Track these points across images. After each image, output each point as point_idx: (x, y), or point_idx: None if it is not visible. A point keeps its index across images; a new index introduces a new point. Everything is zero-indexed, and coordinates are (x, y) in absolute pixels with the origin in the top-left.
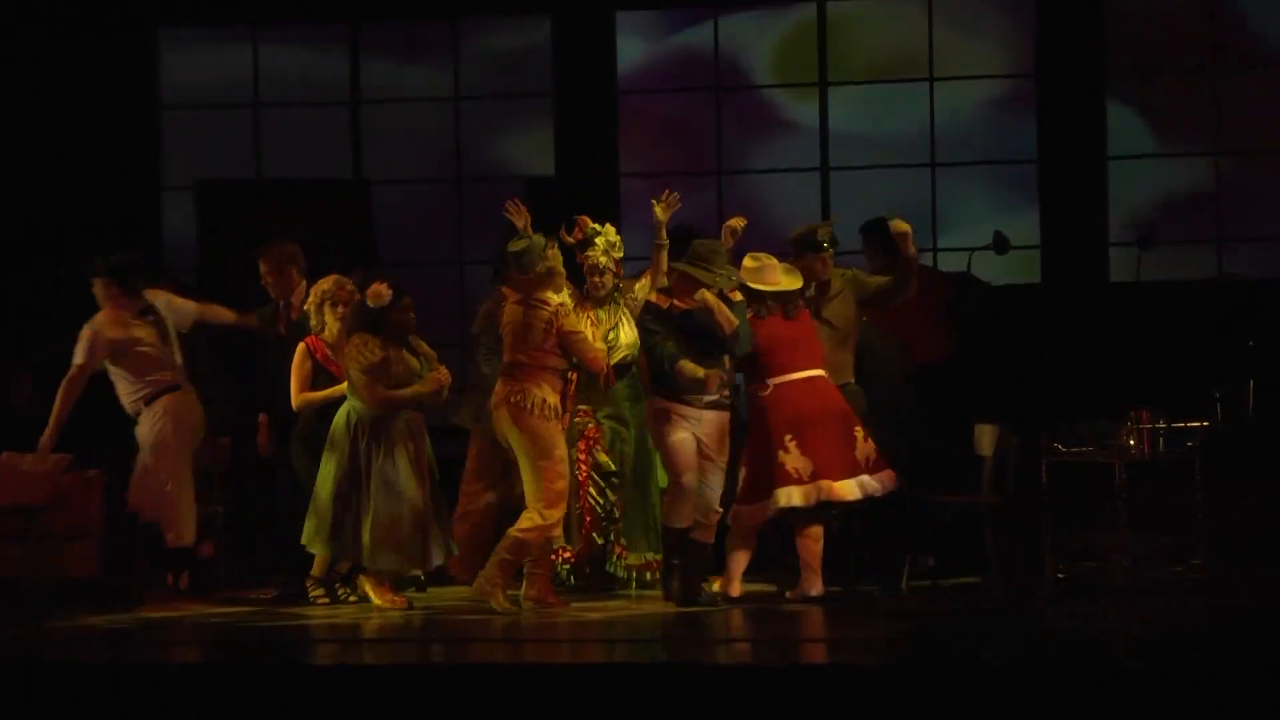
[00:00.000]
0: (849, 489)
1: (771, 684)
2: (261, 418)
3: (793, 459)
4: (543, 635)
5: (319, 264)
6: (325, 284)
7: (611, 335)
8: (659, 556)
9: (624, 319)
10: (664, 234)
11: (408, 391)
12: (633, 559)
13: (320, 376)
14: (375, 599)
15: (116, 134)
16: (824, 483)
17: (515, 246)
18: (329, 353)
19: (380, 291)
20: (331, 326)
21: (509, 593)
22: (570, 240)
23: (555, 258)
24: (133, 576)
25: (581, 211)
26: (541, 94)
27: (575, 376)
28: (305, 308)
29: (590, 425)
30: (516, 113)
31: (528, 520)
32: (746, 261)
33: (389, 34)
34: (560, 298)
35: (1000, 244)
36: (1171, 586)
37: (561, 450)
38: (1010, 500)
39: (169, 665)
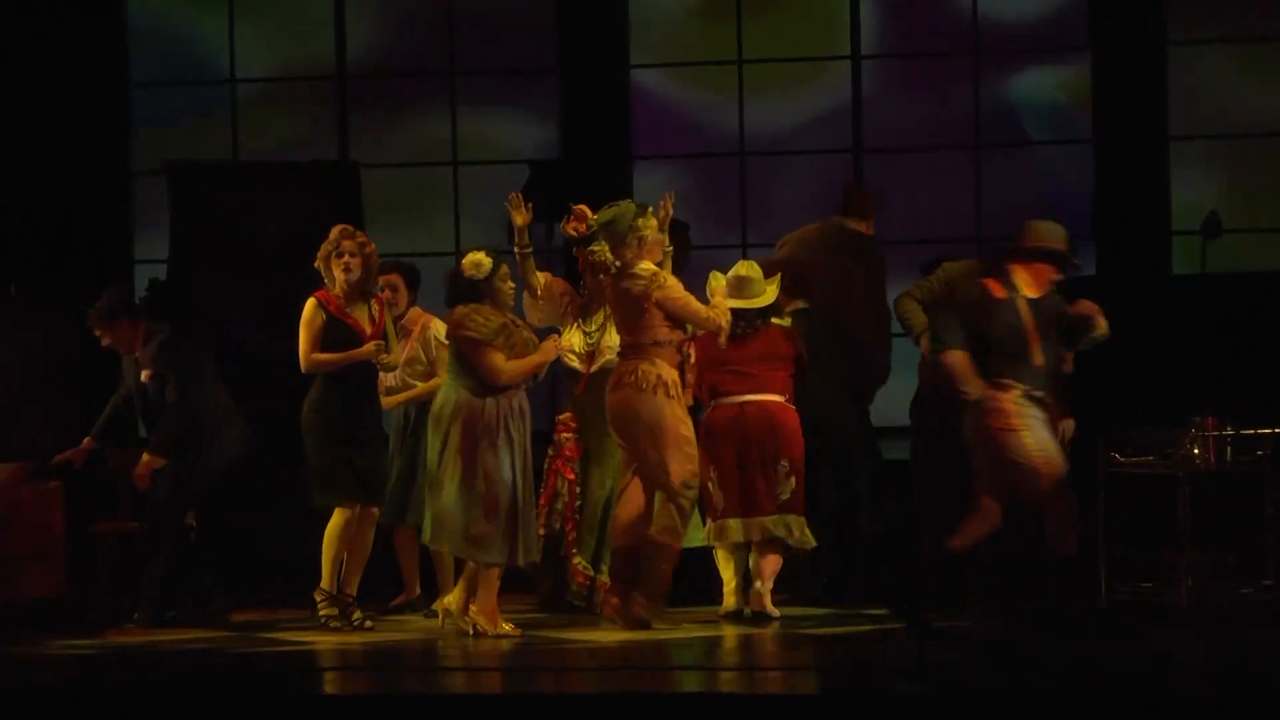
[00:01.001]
0: (736, 530)
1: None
2: (85, 442)
3: (715, 491)
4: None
5: (303, 255)
6: (332, 236)
7: (595, 337)
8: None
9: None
10: (666, 240)
11: (533, 360)
12: (604, 578)
13: (335, 333)
14: (486, 627)
15: (81, 113)
16: (724, 521)
17: (603, 216)
18: (344, 305)
19: (479, 260)
20: (340, 280)
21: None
22: (569, 233)
23: (647, 225)
24: (95, 599)
25: (591, 198)
26: (546, 69)
27: (692, 348)
28: (315, 265)
29: (569, 440)
30: (518, 88)
31: (665, 516)
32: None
33: (379, 1)
34: (652, 267)
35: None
36: (1239, 610)
37: (690, 428)
38: (1067, 513)
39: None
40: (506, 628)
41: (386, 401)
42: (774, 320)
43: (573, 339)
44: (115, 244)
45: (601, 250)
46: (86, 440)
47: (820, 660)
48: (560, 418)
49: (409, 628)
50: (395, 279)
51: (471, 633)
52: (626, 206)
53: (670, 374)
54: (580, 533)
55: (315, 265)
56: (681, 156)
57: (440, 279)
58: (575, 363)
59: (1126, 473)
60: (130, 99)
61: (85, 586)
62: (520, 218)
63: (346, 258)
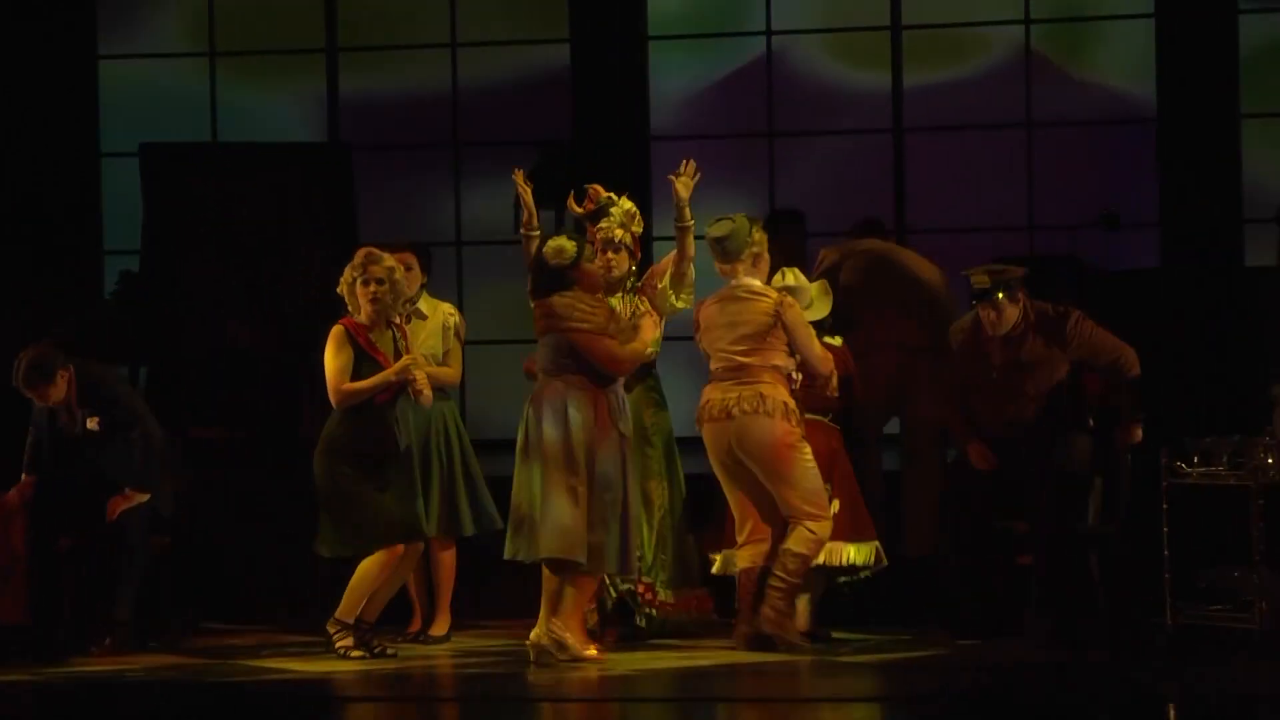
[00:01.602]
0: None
1: None
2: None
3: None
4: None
5: (290, 244)
6: (356, 259)
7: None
8: (691, 591)
9: (641, 310)
10: (687, 213)
11: (644, 340)
12: (665, 595)
13: (361, 368)
14: (574, 647)
15: (48, 90)
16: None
17: (718, 231)
18: (371, 338)
19: (562, 246)
20: (365, 308)
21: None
22: (580, 211)
23: (762, 240)
24: (64, 623)
25: (605, 182)
26: (557, 39)
27: (799, 377)
28: (338, 291)
29: None
30: (526, 63)
31: (802, 537)
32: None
33: None
34: (772, 289)
35: (1110, 220)
36: None
37: (809, 449)
38: (1123, 530)
39: None
40: (591, 651)
41: (342, 392)
42: (825, 340)
43: None
44: (83, 232)
45: (610, 227)
46: (25, 478)
47: (890, 689)
48: None
49: (434, 653)
50: (409, 258)
51: (555, 654)
52: (741, 221)
53: (789, 398)
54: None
55: (338, 291)
56: (702, 137)
57: (438, 267)
58: None
59: (1193, 484)
60: (99, 73)
61: (51, 609)
62: (528, 196)
63: (374, 286)
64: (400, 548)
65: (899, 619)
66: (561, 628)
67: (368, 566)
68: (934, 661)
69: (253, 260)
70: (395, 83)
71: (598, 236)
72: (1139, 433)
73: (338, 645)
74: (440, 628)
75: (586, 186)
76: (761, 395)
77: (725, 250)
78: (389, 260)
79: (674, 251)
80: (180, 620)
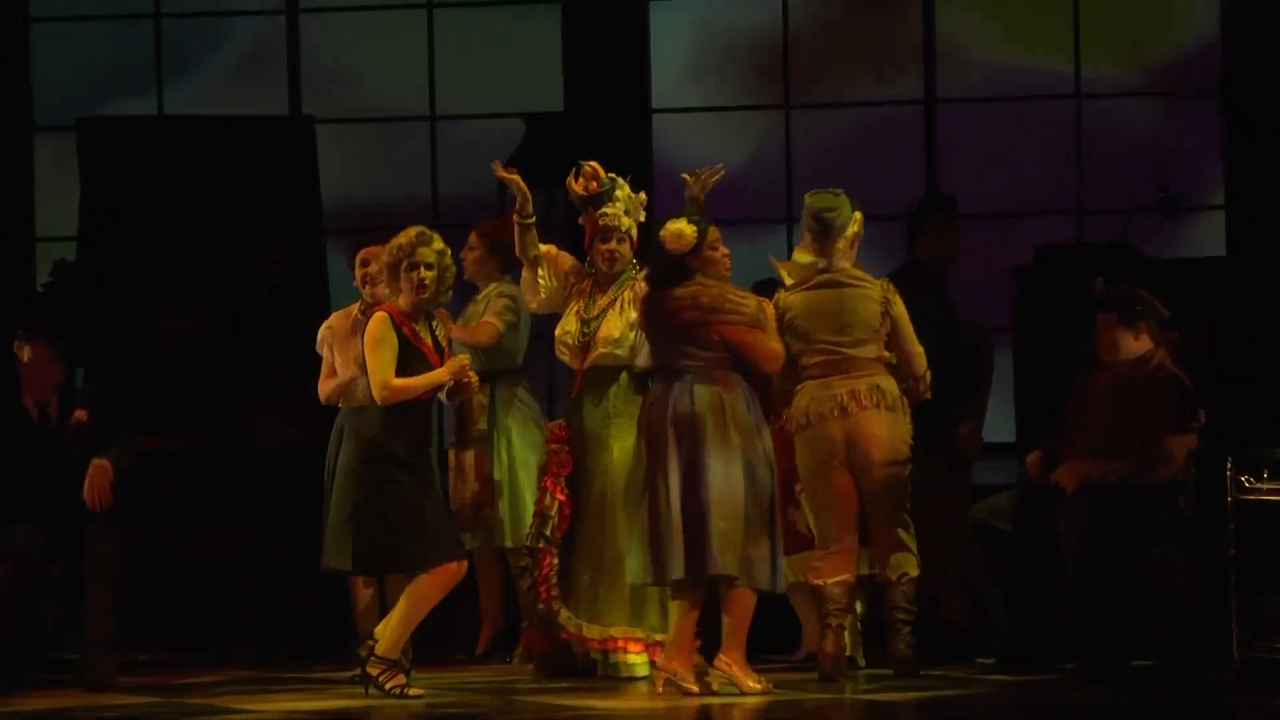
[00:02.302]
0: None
1: None
2: None
3: (802, 516)
4: None
5: (248, 231)
6: (405, 239)
7: (593, 326)
8: (634, 631)
9: (617, 308)
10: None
11: (779, 345)
12: (594, 632)
13: (406, 361)
14: (744, 681)
15: None
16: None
17: (824, 203)
18: (415, 328)
19: (681, 230)
20: (410, 296)
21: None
22: (579, 192)
23: (860, 222)
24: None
25: (600, 159)
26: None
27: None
28: (371, 271)
29: (558, 453)
30: (511, 24)
31: (911, 559)
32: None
33: None
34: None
35: (1168, 203)
36: None
37: None
38: (1185, 551)
39: None
40: (758, 683)
41: (389, 388)
42: None
43: (568, 326)
44: (12, 217)
45: (615, 213)
46: None
47: None
48: (551, 425)
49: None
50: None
51: (715, 688)
52: (845, 199)
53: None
54: (572, 572)
55: (372, 271)
56: (711, 109)
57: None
58: (566, 356)
59: (1262, 501)
60: (31, 38)
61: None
62: (520, 182)
63: (422, 270)
64: (463, 564)
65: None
66: (728, 663)
67: (426, 590)
68: (995, 702)
69: (204, 249)
70: (364, 47)
71: (598, 223)
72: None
73: (389, 686)
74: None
75: (582, 163)
76: (880, 389)
77: (830, 227)
78: (439, 243)
79: None
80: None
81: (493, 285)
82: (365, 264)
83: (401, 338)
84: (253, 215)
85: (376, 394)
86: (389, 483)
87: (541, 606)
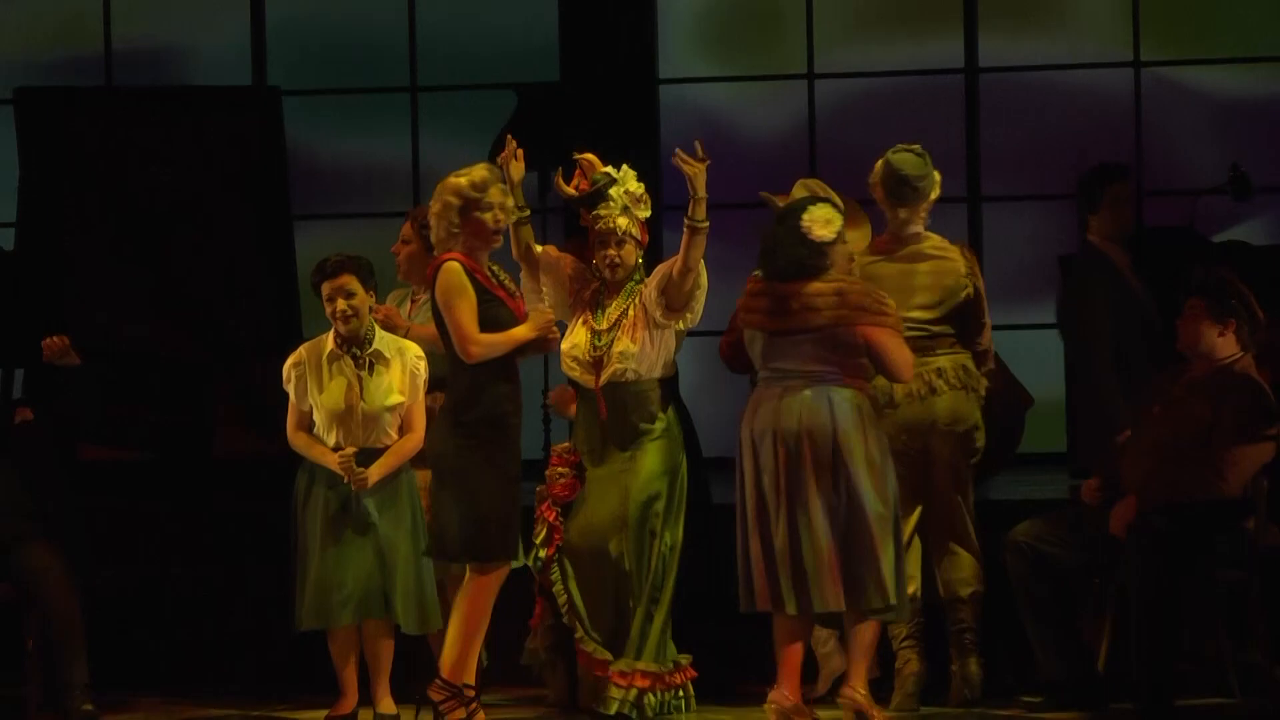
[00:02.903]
0: None
1: None
2: None
3: None
4: None
5: (207, 215)
6: (475, 174)
7: (606, 339)
8: (659, 668)
9: (631, 317)
10: (702, 209)
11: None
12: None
13: (486, 313)
14: (870, 709)
15: None
16: None
17: (909, 165)
18: (489, 274)
19: (830, 217)
20: (478, 241)
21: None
22: (570, 192)
23: (938, 181)
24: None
25: (601, 136)
26: None
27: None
28: (430, 214)
29: (564, 477)
30: None
31: (977, 570)
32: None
33: None
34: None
35: (1239, 184)
36: None
37: None
38: (1258, 576)
39: None
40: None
41: (481, 344)
42: None
43: (576, 339)
44: None
45: (610, 215)
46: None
47: None
48: (558, 448)
49: None
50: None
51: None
52: (929, 160)
53: None
54: (590, 605)
55: (433, 212)
56: (725, 79)
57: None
58: (577, 372)
59: None
60: None
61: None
62: (517, 170)
63: (497, 210)
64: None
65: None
66: (858, 693)
67: (485, 593)
68: None
69: (159, 235)
70: (336, 12)
71: (594, 227)
72: None
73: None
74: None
75: (577, 158)
76: (967, 369)
77: (914, 190)
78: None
79: (675, 258)
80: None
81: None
82: (350, 295)
83: (479, 286)
84: (213, 199)
85: (464, 351)
86: (496, 461)
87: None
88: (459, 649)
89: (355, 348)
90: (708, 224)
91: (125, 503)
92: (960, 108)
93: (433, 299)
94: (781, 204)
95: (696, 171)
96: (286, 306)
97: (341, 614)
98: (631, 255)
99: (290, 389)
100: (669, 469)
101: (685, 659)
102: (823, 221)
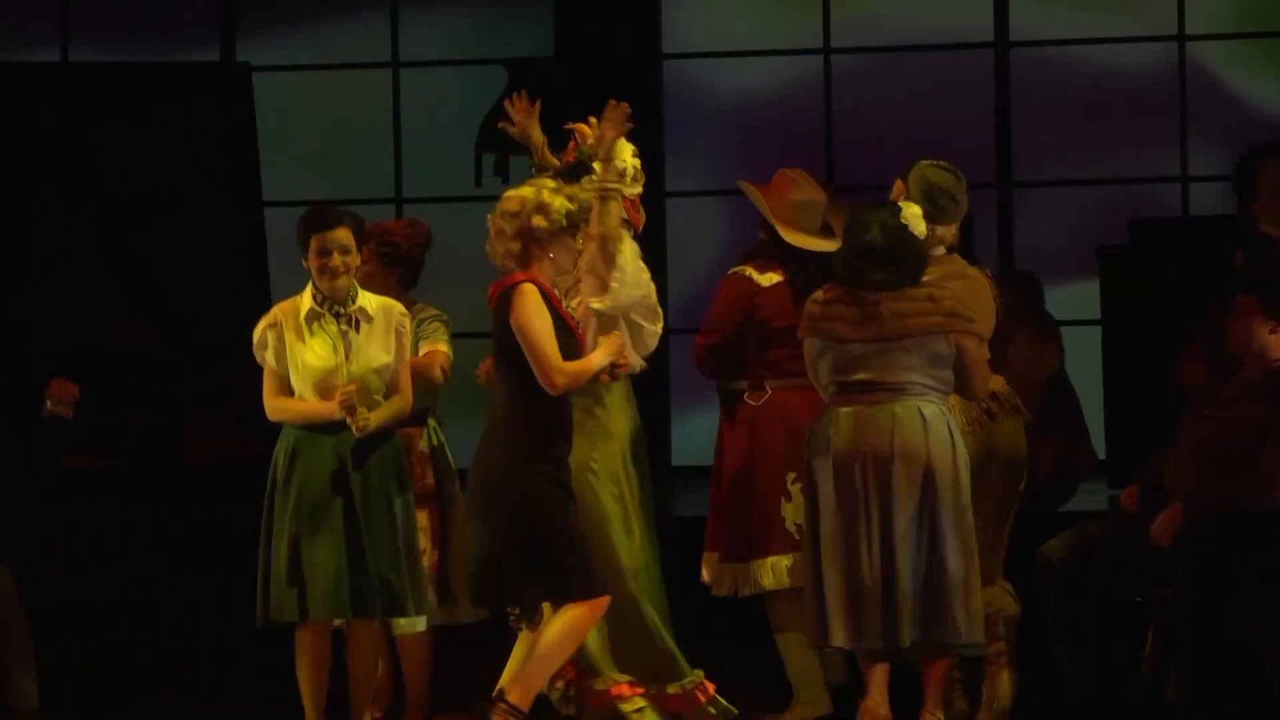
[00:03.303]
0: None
1: None
2: None
3: (794, 510)
4: None
5: (176, 199)
6: (580, 198)
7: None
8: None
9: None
10: (614, 165)
11: None
12: (599, 683)
13: (560, 342)
14: None
15: None
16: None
17: (943, 179)
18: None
19: (919, 214)
20: (561, 265)
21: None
22: (554, 163)
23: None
24: None
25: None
26: None
27: None
28: (351, 261)
29: None
30: None
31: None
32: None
33: None
34: None
35: None
36: None
37: None
38: None
39: None
40: None
41: (567, 372)
42: None
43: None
44: None
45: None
46: None
47: None
48: None
49: None
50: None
51: None
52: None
53: None
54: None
55: (518, 227)
56: (734, 54)
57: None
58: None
59: None
60: None
61: None
62: (537, 132)
63: (579, 235)
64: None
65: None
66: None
67: (580, 623)
68: None
69: (121, 223)
70: None
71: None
72: None
73: None
74: None
75: (573, 126)
76: (1011, 392)
77: (955, 204)
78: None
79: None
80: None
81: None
82: (346, 251)
83: (554, 313)
84: (179, 184)
85: (550, 382)
86: (551, 496)
87: None
88: (536, 675)
89: (338, 305)
90: (618, 187)
91: (88, 509)
92: (989, 83)
93: (505, 323)
94: (760, 193)
95: (606, 132)
96: (259, 300)
97: (316, 607)
98: (626, 232)
99: (268, 354)
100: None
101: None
102: (917, 219)
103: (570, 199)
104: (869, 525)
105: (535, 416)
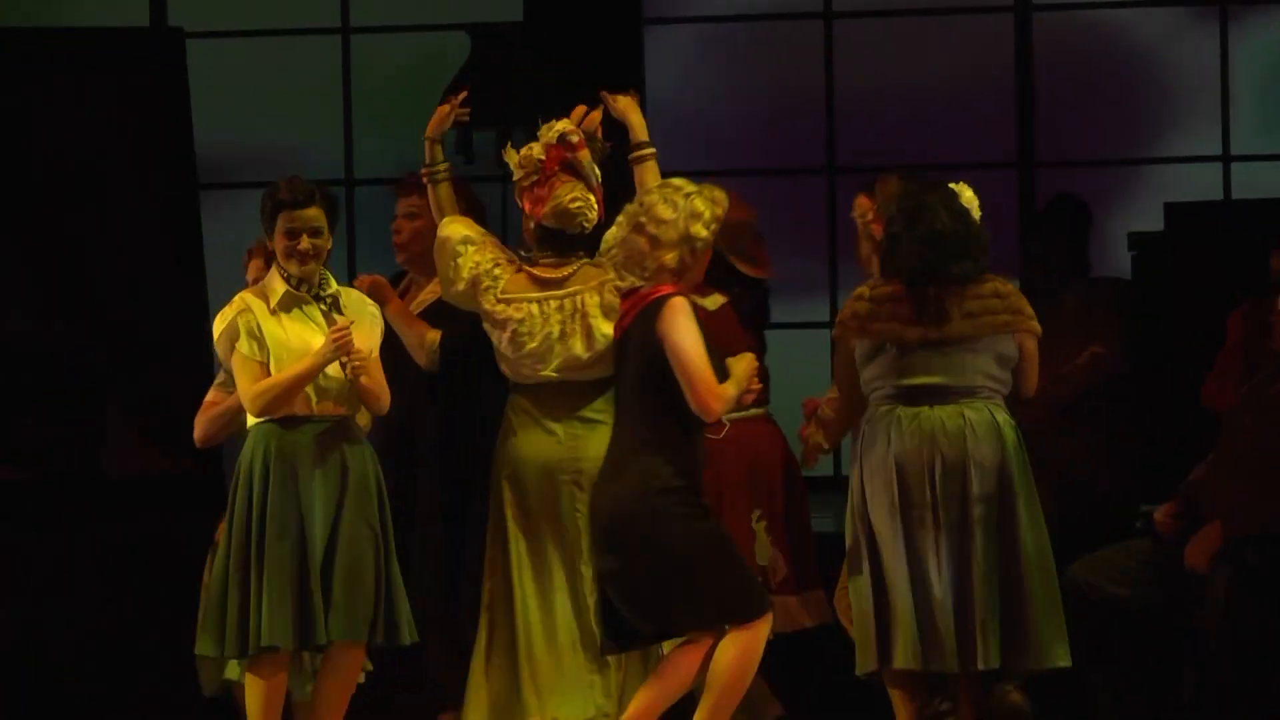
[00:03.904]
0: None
1: None
2: None
3: (762, 550)
4: None
5: (100, 182)
6: (720, 202)
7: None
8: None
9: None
10: (643, 131)
11: None
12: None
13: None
14: None
15: None
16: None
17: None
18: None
19: (974, 200)
20: (691, 275)
21: None
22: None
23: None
24: None
25: (574, 89)
26: None
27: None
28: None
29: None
30: None
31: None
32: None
33: None
34: None
35: None
36: None
37: None
38: None
39: None
40: None
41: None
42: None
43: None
44: None
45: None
46: None
47: None
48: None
49: None
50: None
51: None
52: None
53: None
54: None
55: (672, 236)
56: (723, 19)
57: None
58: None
59: None
60: None
61: None
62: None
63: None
64: None
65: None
66: None
67: (756, 641)
68: None
69: (39, 209)
70: None
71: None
72: None
73: None
74: None
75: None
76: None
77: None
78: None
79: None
80: None
81: None
82: (316, 233)
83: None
84: (103, 163)
85: (707, 408)
86: (705, 521)
87: None
88: (724, 711)
89: (313, 289)
90: (653, 150)
91: (3, 529)
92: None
93: (649, 338)
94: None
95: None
96: (193, 296)
97: (324, 632)
98: (592, 224)
99: (242, 343)
100: None
101: None
102: (974, 203)
103: (716, 203)
104: (938, 536)
105: (679, 441)
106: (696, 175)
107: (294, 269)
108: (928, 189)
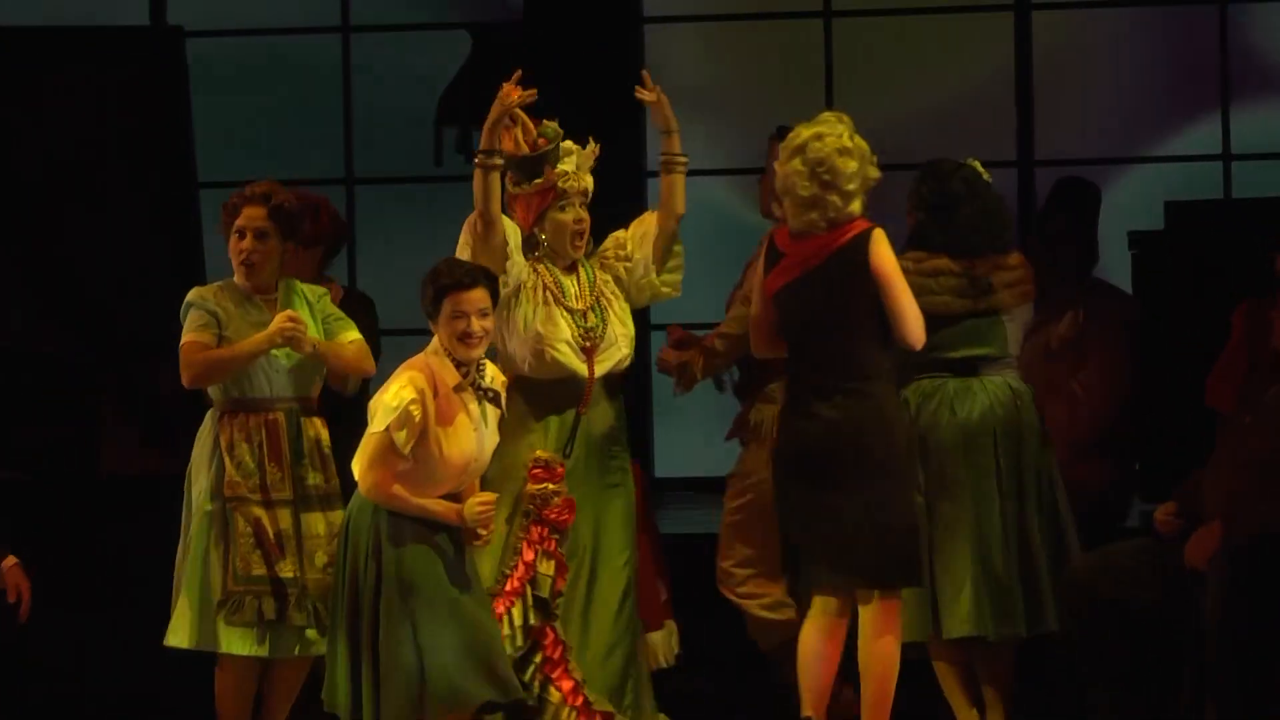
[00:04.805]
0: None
1: None
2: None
3: None
4: None
5: (98, 182)
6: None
7: (594, 323)
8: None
9: (610, 296)
10: (677, 141)
11: None
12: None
13: None
14: None
15: None
16: None
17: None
18: None
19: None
20: None
21: None
22: (513, 150)
23: None
24: None
25: (574, 88)
26: None
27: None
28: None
29: (558, 495)
30: None
31: None
32: None
33: None
34: None
35: None
36: None
37: None
38: None
39: None
40: None
41: None
42: None
43: (558, 322)
44: None
45: (574, 171)
46: None
47: None
48: (540, 455)
49: None
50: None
51: None
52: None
53: None
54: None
55: (853, 173)
56: (723, 18)
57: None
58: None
59: None
60: None
61: None
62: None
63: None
64: None
65: None
66: None
67: (896, 613)
68: None
69: (36, 207)
70: None
71: (557, 186)
72: None
73: None
74: None
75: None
76: None
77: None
78: None
79: (656, 211)
80: None
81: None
82: (484, 314)
83: None
84: (102, 162)
85: (919, 337)
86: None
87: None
88: (885, 697)
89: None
90: (686, 157)
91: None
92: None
93: (858, 269)
94: None
95: (658, 99)
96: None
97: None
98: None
99: (397, 437)
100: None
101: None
102: (987, 174)
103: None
104: (1004, 503)
105: (889, 373)
106: (697, 175)
107: (462, 354)
108: (951, 168)
